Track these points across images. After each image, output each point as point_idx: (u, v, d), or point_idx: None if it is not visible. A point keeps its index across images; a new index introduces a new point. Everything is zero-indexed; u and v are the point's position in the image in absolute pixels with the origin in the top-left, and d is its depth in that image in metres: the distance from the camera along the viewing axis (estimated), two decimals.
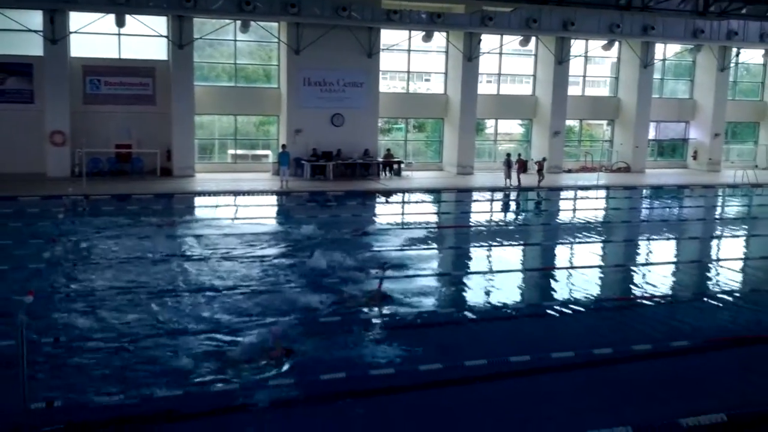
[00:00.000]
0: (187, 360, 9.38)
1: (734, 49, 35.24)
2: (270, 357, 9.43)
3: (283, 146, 27.78)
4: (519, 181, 28.34)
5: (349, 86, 29.91)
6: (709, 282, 15.51)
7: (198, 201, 24.50)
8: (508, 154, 28.94)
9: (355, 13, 28.42)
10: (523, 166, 29.32)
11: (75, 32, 26.75)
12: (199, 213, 22.95)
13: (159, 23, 27.69)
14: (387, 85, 32.63)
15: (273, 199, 25.36)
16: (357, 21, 28.70)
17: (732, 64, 35.80)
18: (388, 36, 30.75)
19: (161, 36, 27.76)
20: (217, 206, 23.76)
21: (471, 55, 31.07)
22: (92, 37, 27.09)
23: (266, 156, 31.17)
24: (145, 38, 27.67)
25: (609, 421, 7.75)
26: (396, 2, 27.73)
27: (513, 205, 26.96)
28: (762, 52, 35.87)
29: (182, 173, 27.95)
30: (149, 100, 28.26)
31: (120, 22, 26.59)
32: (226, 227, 19.05)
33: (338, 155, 29.39)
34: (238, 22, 28.26)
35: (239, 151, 30.93)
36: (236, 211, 23.31)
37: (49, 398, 8.05)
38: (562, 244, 19.02)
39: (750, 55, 36.68)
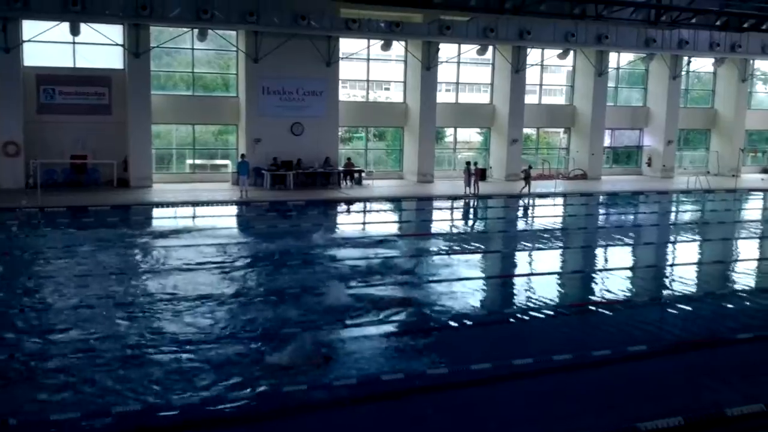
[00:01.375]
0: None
1: (685, 58, 36.14)
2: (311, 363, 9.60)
3: (242, 156, 27.59)
4: (477, 189, 28.57)
5: (309, 95, 29.86)
6: (665, 286, 15.84)
7: (156, 212, 24.14)
8: (468, 163, 29.20)
9: (314, 22, 28.42)
10: (481, 175, 29.60)
11: (28, 41, 26.22)
12: (156, 224, 22.61)
13: (115, 32, 27.28)
14: (347, 93, 32.69)
15: (233, 210, 25.14)
16: (316, 30, 28.70)
17: (683, 73, 36.71)
18: (347, 45, 30.82)
19: (117, 44, 27.38)
20: (175, 217, 23.45)
21: (430, 64, 31.30)
22: (46, 45, 26.60)
23: (225, 166, 30.95)
24: (100, 47, 27.23)
25: (569, 427, 7.84)
26: (354, 11, 27.87)
27: (472, 213, 27.16)
28: (712, 60, 36.84)
29: (139, 184, 27.56)
30: (105, 109, 27.83)
31: (74, 31, 26.18)
32: (184, 239, 18.83)
33: (298, 164, 29.30)
34: (196, 31, 28.04)
35: (198, 161, 30.65)
36: (194, 221, 23.06)
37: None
38: (521, 251, 19.24)
39: (700, 64, 37.66)
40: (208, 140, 31.37)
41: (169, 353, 10.12)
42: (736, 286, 15.70)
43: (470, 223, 25.50)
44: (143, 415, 8.28)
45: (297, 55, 29.03)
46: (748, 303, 14.19)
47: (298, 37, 28.73)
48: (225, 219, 23.09)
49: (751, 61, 37.70)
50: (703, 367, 10.48)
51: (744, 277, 16.80)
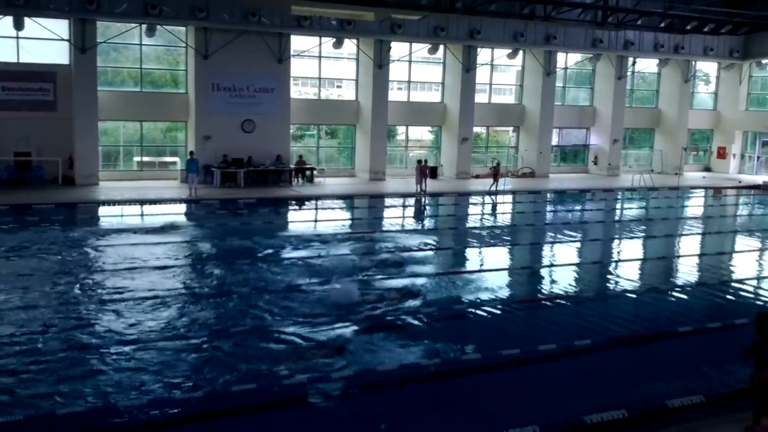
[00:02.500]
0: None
1: (630, 59, 36.97)
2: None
3: (191, 153, 27.25)
4: (425, 186, 28.77)
5: (260, 92, 29.64)
6: (610, 282, 16.24)
7: (102, 210, 23.68)
8: (419, 161, 29.39)
9: (265, 19, 28.23)
10: (431, 172, 29.83)
11: None
12: (103, 223, 22.16)
13: (60, 26, 26.66)
14: (299, 91, 32.56)
15: (181, 208, 24.80)
16: (267, 26, 28.52)
17: (629, 73, 37.56)
18: (298, 42, 30.69)
19: (63, 40, 26.75)
20: (122, 216, 23.02)
21: (381, 63, 31.39)
22: None
23: (174, 163, 30.50)
24: (45, 42, 26.58)
25: (516, 421, 7.99)
26: (306, 8, 27.75)
27: (422, 211, 27.35)
28: (656, 61, 37.78)
29: (86, 182, 26.98)
30: (50, 106, 27.15)
31: (18, 25, 25.45)
32: (130, 237, 18.54)
33: (249, 162, 29.07)
34: (144, 26, 27.56)
35: (146, 159, 30.11)
36: (142, 220, 22.71)
37: None
38: (469, 247, 19.48)
39: (645, 65, 38.58)
40: (156, 137, 30.88)
41: (114, 353, 10.04)
42: (678, 281, 16.19)
43: (420, 220, 25.64)
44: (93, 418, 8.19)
45: (248, 51, 28.80)
46: (688, 297, 14.68)
47: (248, 33, 28.51)
48: (173, 217, 22.72)
49: (693, 63, 38.75)
50: (645, 360, 10.80)
51: (685, 272, 17.35)
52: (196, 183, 26.15)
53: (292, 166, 30.48)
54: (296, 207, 26.33)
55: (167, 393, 8.84)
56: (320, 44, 31.12)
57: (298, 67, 31.43)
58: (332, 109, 33.13)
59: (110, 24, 27.52)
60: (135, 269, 14.82)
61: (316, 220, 24.41)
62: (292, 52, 30.15)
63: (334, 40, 30.45)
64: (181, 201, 25.32)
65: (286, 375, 9.39)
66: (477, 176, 34.39)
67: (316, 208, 26.28)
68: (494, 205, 28.28)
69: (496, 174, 30.13)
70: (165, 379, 9.22)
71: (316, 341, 10.69)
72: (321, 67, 32.37)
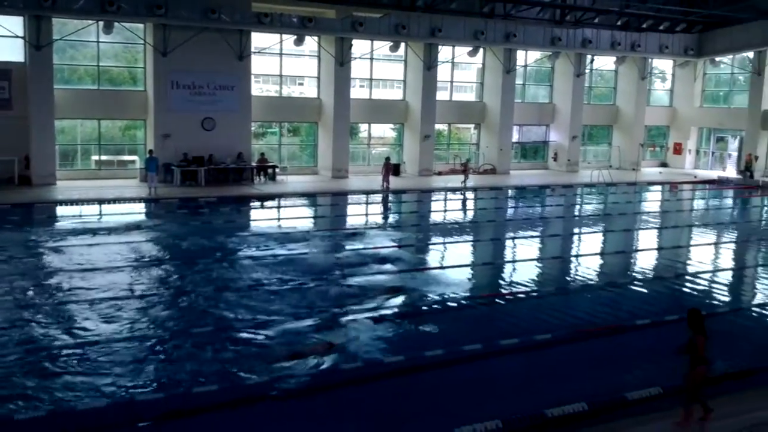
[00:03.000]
0: None
1: (589, 57, 37.52)
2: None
3: (150, 152, 26.90)
4: (388, 183, 28.89)
5: (220, 89, 29.37)
6: (570, 276, 16.51)
7: (60, 210, 23.24)
8: (387, 158, 29.41)
9: (225, 16, 27.97)
10: (394, 170, 29.94)
11: None
12: (60, 223, 21.74)
13: (15, 23, 26.02)
14: (260, 88, 32.35)
15: (141, 207, 24.47)
16: (227, 23, 28.25)
17: (587, 71, 38.11)
18: (259, 39, 30.49)
19: (17, 37, 26.14)
20: (80, 216, 22.60)
21: (343, 60, 31.36)
22: None
23: (133, 162, 30.06)
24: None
25: (479, 415, 8.09)
26: (266, 5, 27.57)
27: (385, 208, 27.42)
28: (613, 59, 38.38)
29: (42, 181, 26.43)
30: (5, 104, 26.45)
31: None
32: (88, 238, 18.27)
33: (210, 160, 28.80)
34: (101, 23, 27.09)
35: (104, 157, 29.61)
36: (100, 220, 22.36)
37: None
38: (435, 244, 19.59)
39: (603, 62, 39.17)
40: (114, 136, 30.40)
41: (71, 355, 9.92)
42: (636, 275, 16.51)
43: (385, 217, 25.70)
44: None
45: (207, 48, 28.51)
46: (646, 290, 15.00)
47: (208, 30, 28.22)
48: (132, 217, 22.46)
49: (650, 60, 39.47)
50: (605, 353, 11.01)
51: (643, 265, 17.70)
52: (156, 182, 25.83)
53: (254, 164, 30.28)
54: (258, 205, 26.16)
55: (125, 394, 8.76)
56: (281, 41, 30.95)
57: (259, 64, 31.23)
58: (294, 106, 33.01)
59: (67, 21, 27.02)
60: (93, 270, 14.60)
61: (279, 219, 24.32)
62: (252, 50, 29.94)
63: (295, 37, 30.31)
64: (140, 200, 24.99)
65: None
66: (439, 173, 34.59)
67: (279, 207, 26.18)
68: (457, 202, 28.43)
69: (465, 170, 30.47)
70: (123, 380, 9.13)
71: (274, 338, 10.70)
72: (282, 64, 32.19)
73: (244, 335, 11.03)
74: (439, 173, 34.63)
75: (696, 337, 7.94)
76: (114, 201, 24.33)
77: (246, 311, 12.18)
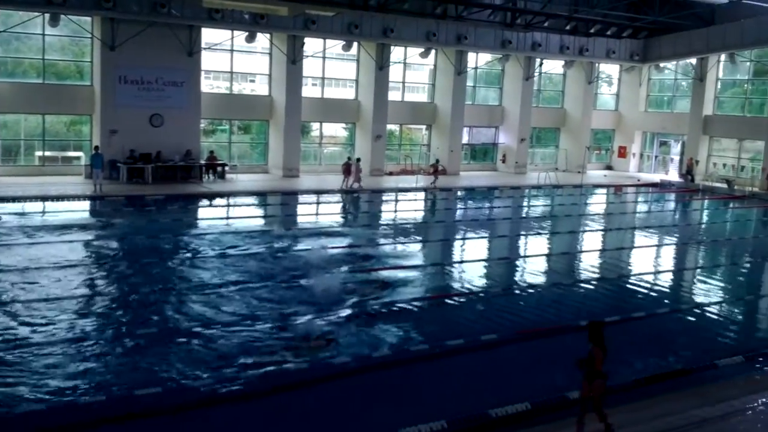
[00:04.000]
0: None
1: (538, 60, 38.12)
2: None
3: (96, 148, 26.32)
4: (346, 183, 28.97)
5: (169, 85, 28.94)
6: (517, 277, 16.79)
7: (0, 207, 22.57)
8: (349, 158, 29.49)
9: (175, 10, 27.56)
10: (346, 170, 29.97)
11: None
12: (1, 221, 21.16)
13: None
14: (210, 85, 31.99)
15: (85, 205, 23.94)
16: (177, 18, 27.84)
17: (536, 74, 38.72)
18: (210, 35, 30.15)
19: None
20: (22, 213, 21.99)
21: (295, 58, 31.22)
22: None
23: (78, 158, 29.38)
24: None
25: (425, 416, 8.18)
26: (218, 1, 27.27)
27: (338, 207, 27.40)
28: (562, 63, 39.08)
29: None
30: None
31: None
32: (30, 236, 17.84)
33: (158, 157, 28.35)
34: (47, 15, 26.39)
35: (48, 153, 28.86)
36: (43, 218, 21.81)
37: None
38: (385, 245, 19.64)
39: (552, 66, 39.85)
40: (59, 131, 29.69)
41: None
42: (580, 276, 16.88)
43: (332, 217, 25.62)
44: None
45: (157, 43, 28.07)
46: (589, 291, 15.35)
47: (157, 25, 27.78)
48: (77, 215, 21.99)
49: (597, 65, 40.31)
50: (549, 353, 11.23)
51: (587, 266, 18.10)
52: (101, 179, 25.29)
53: (203, 161, 29.93)
54: (206, 204, 25.88)
55: (61, 398, 8.62)
56: (232, 38, 30.66)
57: (209, 60, 30.90)
58: (245, 103, 32.75)
59: (11, 12, 26.25)
60: (33, 270, 14.27)
61: (227, 217, 24.08)
62: (203, 45, 29.60)
63: (247, 34, 30.06)
64: (85, 198, 24.48)
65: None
66: (390, 173, 34.73)
67: (228, 205, 25.94)
68: (409, 203, 28.55)
69: (435, 171, 30.85)
70: (55, 383, 8.99)
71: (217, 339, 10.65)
72: (233, 61, 31.89)
73: (188, 336, 10.95)
74: (390, 173, 34.77)
75: (594, 350, 7.79)
76: (57, 198, 23.75)
77: (190, 311, 12.11)
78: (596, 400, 7.82)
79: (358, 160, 30.02)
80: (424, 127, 37.96)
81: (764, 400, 8.64)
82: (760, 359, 10.91)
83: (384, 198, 29.07)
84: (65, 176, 27.82)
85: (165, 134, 28.64)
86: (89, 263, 15.35)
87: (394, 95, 35.20)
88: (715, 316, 13.81)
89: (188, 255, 16.72)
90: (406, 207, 27.65)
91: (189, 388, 9.10)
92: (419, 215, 26.32)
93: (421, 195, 30.04)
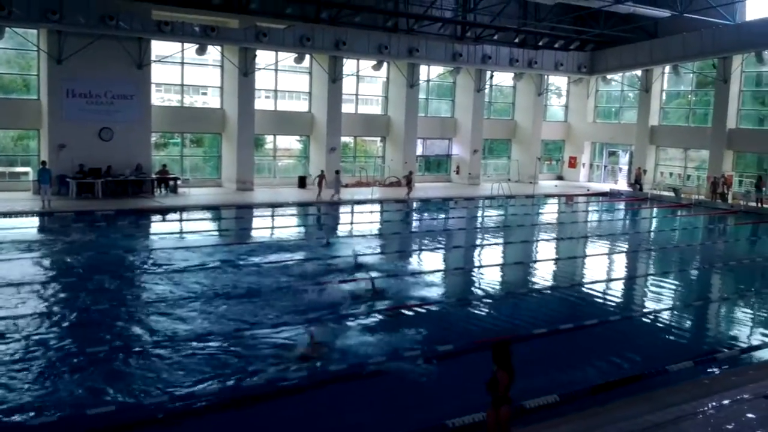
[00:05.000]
0: None
1: (488, 72, 38.66)
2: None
3: (43, 163, 25.79)
4: (320, 194, 29.47)
5: (119, 99, 28.52)
6: (472, 287, 16.91)
7: None
8: (322, 171, 30.50)
9: (123, 23, 27.20)
10: (300, 182, 30.11)
11: None
12: None
13: None
14: (161, 97, 31.64)
15: (33, 221, 23.38)
16: (125, 31, 27.49)
17: (487, 86, 39.26)
18: (160, 47, 29.83)
19: None
20: None
21: (247, 70, 31.08)
22: None
23: (26, 173, 28.69)
24: None
25: (382, 428, 8.18)
26: (167, 14, 27.03)
27: (294, 220, 27.29)
28: (512, 75, 39.72)
29: None
30: None
31: None
32: None
33: (108, 172, 27.87)
34: None
35: None
36: None
37: None
38: (339, 257, 19.57)
39: (502, 78, 40.46)
40: (6, 146, 28.96)
41: None
42: (533, 285, 17.11)
43: (288, 230, 25.50)
44: None
45: (105, 56, 27.69)
46: (543, 300, 15.58)
47: (106, 37, 27.39)
48: (24, 231, 21.44)
49: (546, 77, 41.09)
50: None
51: (540, 276, 18.36)
52: (50, 194, 24.76)
53: (154, 175, 29.51)
54: (158, 219, 25.48)
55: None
56: (183, 50, 30.39)
57: (159, 73, 30.56)
58: (197, 116, 32.44)
59: None
60: None
61: (180, 232, 23.76)
62: (153, 58, 29.27)
63: (197, 46, 29.82)
64: (33, 214, 23.90)
65: None
66: (346, 185, 34.67)
67: (180, 220, 25.59)
68: (366, 215, 28.56)
69: (409, 182, 31.01)
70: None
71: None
72: (184, 73, 31.57)
73: (141, 353, 10.78)
74: (345, 186, 34.71)
75: (499, 373, 7.34)
76: (4, 215, 23.13)
77: (142, 328, 11.97)
78: (503, 427, 7.36)
79: (337, 172, 30.13)
80: (378, 139, 38.11)
81: (714, 403, 8.85)
82: (709, 363, 11.22)
83: (342, 210, 29.06)
84: (12, 192, 27.14)
85: (115, 148, 28.20)
86: (37, 281, 14.96)
87: (347, 107, 35.30)
88: (665, 322, 14.14)
89: (140, 271, 16.46)
90: (360, 219, 27.64)
91: (142, 405, 8.94)
92: (376, 227, 26.34)
93: (377, 207, 30.10)
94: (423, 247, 21.72)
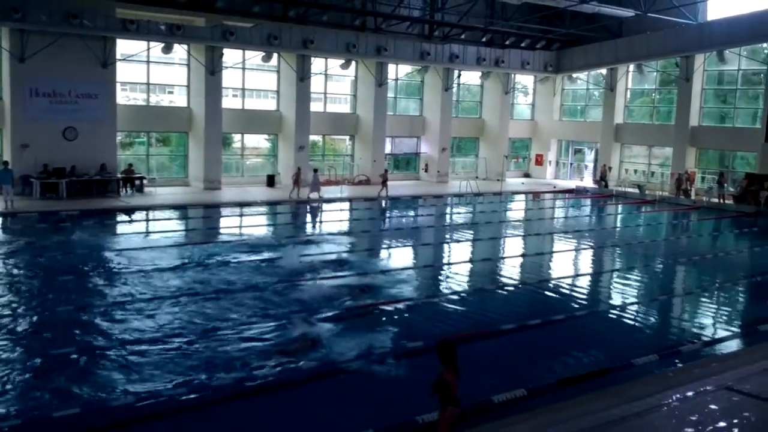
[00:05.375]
0: None
1: (456, 71, 38.88)
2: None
3: (5, 163, 25.31)
4: (298, 193, 29.41)
5: (83, 98, 28.11)
6: (440, 284, 17.01)
7: None
8: (299, 168, 30.37)
9: (88, 21, 26.83)
10: (268, 181, 29.95)
11: None
12: None
13: None
14: (126, 96, 31.27)
15: None
16: (90, 29, 27.11)
17: (455, 85, 39.47)
18: (125, 46, 29.47)
19: None
20: None
21: (214, 69, 30.85)
22: None
23: None
24: None
25: (352, 426, 8.20)
26: (132, 12, 26.72)
27: (263, 219, 27.15)
28: (479, 74, 39.99)
29: None
30: None
31: None
32: None
33: (72, 172, 27.47)
34: None
35: None
36: None
37: None
38: (308, 255, 19.55)
39: (469, 77, 40.72)
40: None
41: None
42: (501, 281, 17.27)
43: (256, 230, 25.38)
44: None
45: (69, 55, 27.28)
46: (511, 296, 15.75)
47: (70, 36, 26.98)
48: None
49: (513, 76, 41.41)
50: (473, 358, 11.42)
51: (508, 272, 18.56)
52: (12, 195, 24.33)
53: (120, 175, 29.15)
54: (124, 219, 25.19)
55: None
56: (148, 49, 30.06)
57: (125, 71, 30.20)
58: (163, 115, 32.11)
59: None
60: None
61: (145, 232, 23.52)
62: (118, 57, 28.91)
63: (163, 45, 29.51)
64: None
65: None
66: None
67: (147, 219, 25.33)
68: (336, 213, 28.55)
69: (385, 180, 31.02)
70: None
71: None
72: (150, 72, 31.23)
73: (103, 354, 10.70)
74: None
75: (446, 372, 7.18)
76: None
77: (108, 329, 11.86)
78: (444, 427, 7.23)
79: (316, 170, 30.10)
80: (347, 137, 38.09)
81: (678, 395, 9.01)
82: (673, 356, 11.44)
83: (310, 208, 29.01)
84: None
85: (80, 148, 27.81)
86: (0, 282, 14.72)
87: (316, 106, 35.22)
88: (630, 317, 14.38)
89: (105, 271, 16.25)
90: (330, 217, 27.62)
91: (108, 408, 8.87)
92: (344, 225, 26.33)
93: (346, 205, 30.10)
94: (392, 245, 21.75)
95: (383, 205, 30.36)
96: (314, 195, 29.09)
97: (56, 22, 26.25)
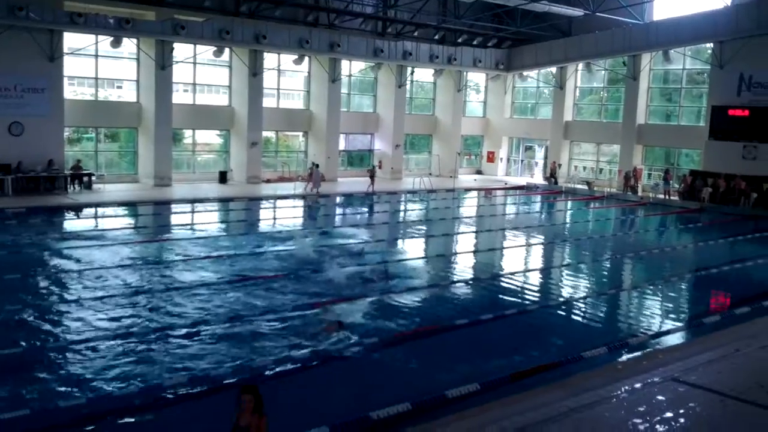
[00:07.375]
0: None
1: (409, 68, 39.05)
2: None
3: None
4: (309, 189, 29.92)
5: (29, 92, 27.42)
6: (393, 280, 17.06)
7: None
8: (316, 165, 30.82)
9: (34, 14, 26.15)
10: (220, 177, 29.64)
11: None
12: None
13: None
14: (74, 91, 30.58)
15: None
16: (36, 22, 26.44)
17: (408, 82, 39.64)
18: (73, 39, 28.82)
19: None
20: None
21: (164, 64, 30.38)
22: None
23: None
24: None
25: (306, 422, 8.22)
26: (80, 4, 26.19)
27: (213, 216, 26.86)
28: (432, 71, 40.23)
29: None
30: None
31: None
32: None
33: (18, 168, 26.78)
34: None
35: None
36: None
37: None
38: (257, 253, 19.43)
39: (422, 74, 40.93)
40: None
41: None
42: (454, 277, 17.45)
43: (200, 227, 25.10)
44: None
45: (14, 48, 26.59)
46: (464, 291, 15.93)
47: (15, 29, 26.27)
48: None
49: (465, 73, 41.76)
50: (425, 354, 11.56)
51: (461, 268, 18.76)
52: None
53: (68, 171, 28.52)
54: (72, 215, 24.65)
55: None
56: (97, 42, 29.44)
57: (72, 66, 29.54)
58: (112, 110, 31.49)
59: None
60: None
61: (94, 229, 23.03)
62: (65, 50, 28.25)
63: (112, 38, 28.94)
64: None
65: None
66: (267, 181, 34.45)
67: (95, 217, 24.84)
68: (291, 210, 28.43)
69: (372, 176, 31.36)
70: None
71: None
72: (98, 66, 30.59)
73: (55, 355, 10.50)
74: (267, 181, 34.50)
75: (254, 418, 6.29)
76: None
77: (57, 328, 11.64)
78: None
79: (317, 166, 30.21)
80: (300, 133, 37.93)
81: (626, 387, 9.25)
82: (621, 348, 11.74)
83: (263, 205, 28.82)
84: None
85: (26, 143, 27.13)
86: None
87: (269, 102, 34.99)
88: (580, 311, 14.70)
89: (53, 270, 15.92)
90: (283, 214, 27.51)
91: (59, 409, 8.72)
92: (297, 222, 26.25)
93: (300, 201, 30.00)
94: (345, 243, 21.72)
95: (372, 199, 31.10)
96: (314, 190, 29.64)
97: (1, 15, 25.53)
